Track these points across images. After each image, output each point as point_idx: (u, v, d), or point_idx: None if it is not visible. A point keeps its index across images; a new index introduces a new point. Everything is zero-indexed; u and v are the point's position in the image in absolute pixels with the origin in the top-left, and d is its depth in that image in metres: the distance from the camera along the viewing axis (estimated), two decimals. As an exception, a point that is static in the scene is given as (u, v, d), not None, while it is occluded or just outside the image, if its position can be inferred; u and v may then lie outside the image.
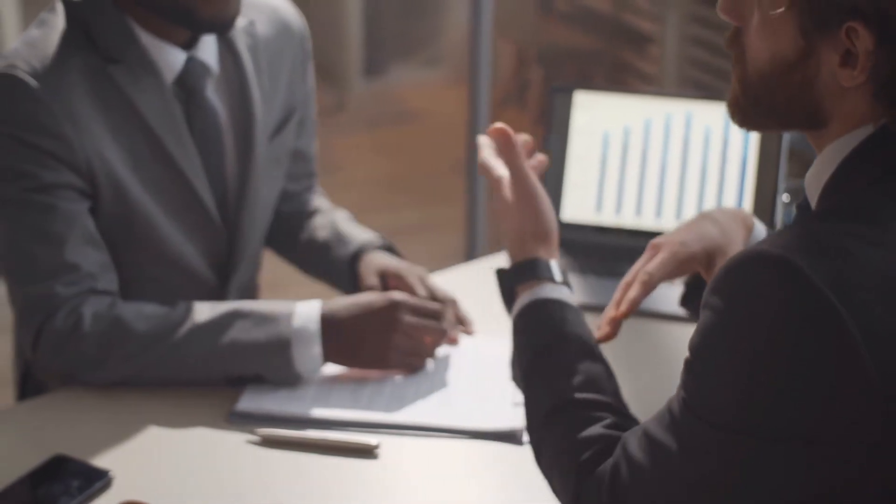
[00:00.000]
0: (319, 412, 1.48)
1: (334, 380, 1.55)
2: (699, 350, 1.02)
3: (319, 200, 1.93)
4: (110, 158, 1.57)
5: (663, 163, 1.92)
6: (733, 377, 0.99)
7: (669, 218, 1.92)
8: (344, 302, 1.56)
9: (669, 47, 3.71)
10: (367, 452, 1.41)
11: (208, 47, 1.65)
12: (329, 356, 1.54)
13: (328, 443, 1.42)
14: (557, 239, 1.32)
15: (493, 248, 2.71)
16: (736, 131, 1.89)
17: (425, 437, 1.45)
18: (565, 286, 1.28)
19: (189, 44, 1.63)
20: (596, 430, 1.12)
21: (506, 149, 1.31)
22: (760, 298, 0.97)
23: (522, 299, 1.27)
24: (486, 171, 1.33)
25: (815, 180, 1.08)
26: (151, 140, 1.60)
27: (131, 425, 1.46)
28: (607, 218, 1.94)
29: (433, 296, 1.66)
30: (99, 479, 1.34)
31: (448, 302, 1.65)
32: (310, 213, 1.90)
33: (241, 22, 1.70)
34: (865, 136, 1.03)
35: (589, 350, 1.22)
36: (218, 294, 1.74)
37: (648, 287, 1.32)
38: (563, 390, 1.18)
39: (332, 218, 1.87)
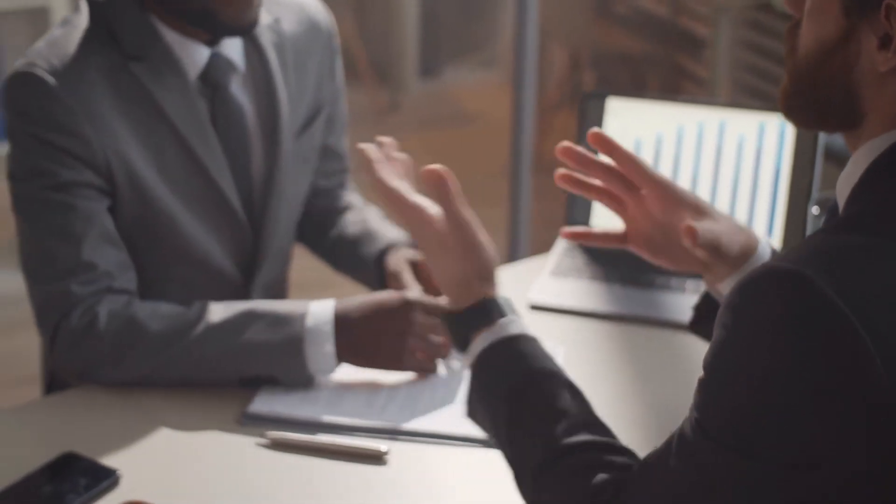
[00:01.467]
0: (331, 417, 1.47)
1: (348, 385, 1.54)
2: (712, 368, 1.00)
3: (352, 196, 1.93)
4: (131, 157, 1.58)
5: (695, 172, 1.89)
6: (747, 397, 0.96)
7: (701, 227, 1.89)
8: (357, 301, 1.55)
9: (722, 52, 3.67)
10: (376, 458, 1.41)
11: (233, 44, 1.66)
12: (342, 356, 1.53)
13: (338, 448, 1.41)
14: (498, 272, 1.25)
15: (535, 251, 2.69)
16: (770, 141, 1.85)
17: (436, 444, 1.44)
18: (518, 317, 1.21)
19: (213, 41, 1.63)
20: (599, 478, 1.06)
21: (443, 193, 1.21)
22: (772, 312, 0.94)
23: (481, 341, 1.19)
24: (396, 196, 1.24)
25: (845, 184, 1.06)
26: (175, 137, 1.60)
27: (143, 425, 1.47)
28: (637, 226, 1.91)
29: None
30: (106, 478, 1.35)
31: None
32: (341, 210, 1.90)
33: (266, 19, 1.70)
34: (893, 141, 1.02)
35: (565, 383, 1.16)
36: (243, 292, 1.74)
37: (629, 157, 1.33)
38: (552, 437, 1.11)
39: (364, 215, 1.87)
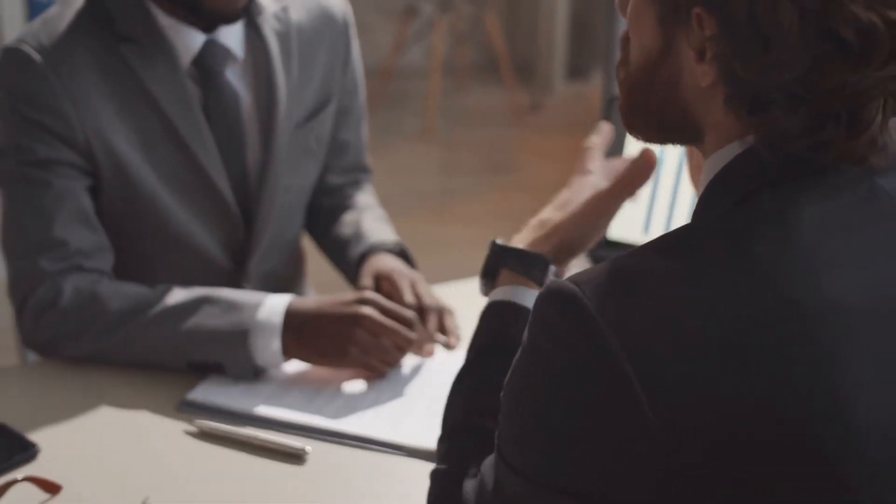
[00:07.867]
0: (264, 411, 1.44)
1: (293, 381, 1.52)
2: (505, 385, 0.94)
3: (362, 196, 1.90)
4: (115, 139, 1.59)
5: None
6: (520, 419, 0.91)
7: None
8: (315, 299, 1.53)
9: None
10: (295, 457, 1.37)
11: (232, 31, 1.65)
12: (289, 351, 1.50)
13: (259, 442, 1.39)
14: (573, 258, 1.26)
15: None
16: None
17: (361, 449, 1.40)
18: None
19: (210, 27, 1.63)
20: (473, 471, 1.05)
21: (630, 171, 1.27)
22: (544, 335, 0.88)
23: (498, 292, 1.21)
24: (584, 152, 1.33)
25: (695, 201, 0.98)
26: (163, 121, 1.61)
27: (84, 403, 1.47)
28: (653, 240, 1.82)
29: (420, 301, 1.59)
30: (23, 451, 1.36)
31: (433, 311, 1.58)
32: (347, 208, 1.87)
33: (272, 7, 1.69)
34: (732, 156, 0.92)
35: None
36: (235, 281, 1.73)
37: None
38: (474, 410, 1.12)
39: (360, 216, 1.84)
